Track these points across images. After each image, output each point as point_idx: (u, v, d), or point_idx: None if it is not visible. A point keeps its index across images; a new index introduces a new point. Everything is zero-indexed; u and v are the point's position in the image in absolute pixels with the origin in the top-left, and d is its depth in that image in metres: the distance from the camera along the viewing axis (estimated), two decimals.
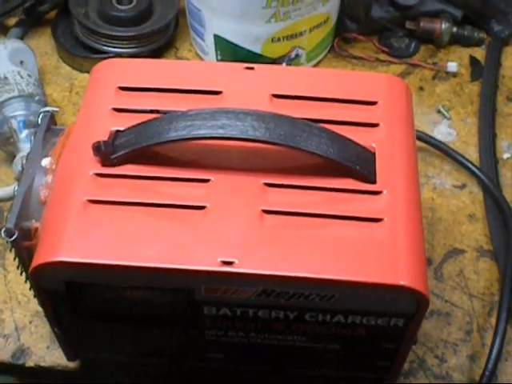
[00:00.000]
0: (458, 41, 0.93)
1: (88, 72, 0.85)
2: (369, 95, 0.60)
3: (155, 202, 0.53)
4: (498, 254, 0.73)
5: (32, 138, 0.61)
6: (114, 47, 0.88)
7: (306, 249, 0.51)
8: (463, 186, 0.79)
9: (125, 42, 0.88)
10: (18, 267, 0.59)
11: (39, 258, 0.52)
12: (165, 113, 0.56)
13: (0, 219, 0.76)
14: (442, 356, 0.67)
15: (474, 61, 0.91)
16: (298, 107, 0.58)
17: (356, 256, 0.51)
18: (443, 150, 0.81)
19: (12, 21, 0.94)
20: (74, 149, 0.57)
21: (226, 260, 0.50)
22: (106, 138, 0.55)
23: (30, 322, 0.69)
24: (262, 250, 0.51)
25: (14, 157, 0.75)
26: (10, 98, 0.77)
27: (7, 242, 0.55)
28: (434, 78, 0.90)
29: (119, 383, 0.69)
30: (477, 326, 0.69)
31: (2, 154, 0.80)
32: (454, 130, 0.84)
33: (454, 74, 0.90)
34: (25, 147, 0.74)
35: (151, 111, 0.58)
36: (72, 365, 0.66)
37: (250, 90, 0.60)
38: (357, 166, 0.54)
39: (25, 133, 0.76)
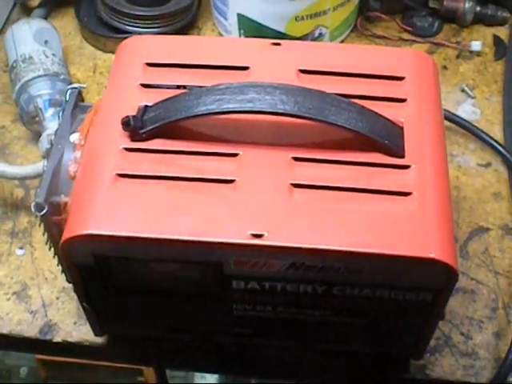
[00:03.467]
0: (481, 20, 0.92)
1: (112, 52, 0.87)
2: (396, 70, 0.60)
3: (184, 175, 0.53)
4: None
5: (60, 114, 0.61)
6: (137, 27, 0.88)
7: (335, 222, 0.51)
8: (488, 165, 0.79)
9: (148, 22, 0.88)
10: (46, 242, 0.60)
11: (69, 232, 0.52)
12: (192, 88, 0.57)
13: (26, 197, 0.76)
14: (468, 333, 0.67)
15: (497, 40, 0.91)
16: (325, 82, 0.58)
17: (385, 229, 0.51)
18: (468, 129, 0.80)
19: (35, 1, 0.95)
20: (103, 124, 0.57)
21: (256, 233, 0.50)
22: (134, 113, 0.56)
23: (57, 298, 0.69)
24: (291, 223, 0.51)
25: (40, 135, 0.76)
26: (36, 77, 0.78)
27: (36, 217, 0.56)
28: (457, 57, 0.89)
29: (146, 359, 0.69)
30: (502, 303, 0.69)
31: (28, 132, 0.81)
32: (479, 108, 0.84)
33: (478, 53, 0.89)
34: (50, 126, 0.75)
35: (178, 87, 0.58)
36: (99, 340, 0.66)
37: (277, 66, 0.60)
38: (385, 140, 0.54)
39: (50, 111, 0.76)
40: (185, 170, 0.54)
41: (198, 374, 1.53)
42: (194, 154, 0.54)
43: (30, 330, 0.68)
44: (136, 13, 0.88)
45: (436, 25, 0.92)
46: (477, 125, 0.81)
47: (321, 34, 0.85)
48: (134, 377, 1.41)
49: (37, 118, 0.77)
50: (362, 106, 0.55)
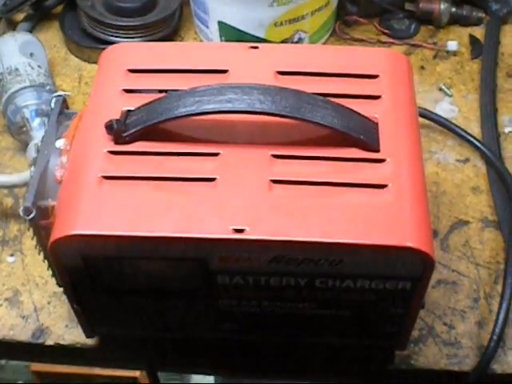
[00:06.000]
0: (457, 21, 0.95)
1: (96, 63, 0.87)
2: (370, 69, 0.61)
3: (167, 175, 0.55)
4: (503, 224, 0.75)
5: (46, 122, 0.63)
6: (121, 37, 0.90)
7: (314, 215, 0.53)
8: (466, 160, 0.81)
9: (131, 32, 0.90)
10: (35, 247, 0.61)
11: (56, 233, 0.53)
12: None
13: (16, 205, 0.78)
14: (451, 323, 0.69)
15: (473, 39, 0.93)
16: (302, 83, 0.59)
17: (363, 220, 0.52)
18: (446, 126, 0.82)
19: (20, 16, 0.97)
20: (87, 129, 0.59)
21: (237, 228, 0.52)
22: (117, 118, 0.57)
23: (49, 303, 0.71)
24: (271, 218, 0.52)
25: (27, 145, 0.77)
26: (22, 89, 0.80)
27: (25, 221, 0.57)
28: (434, 57, 0.92)
29: (137, 360, 0.71)
30: (484, 293, 0.71)
31: (16, 143, 0.82)
32: (456, 106, 0.86)
33: (455, 53, 0.92)
34: (37, 135, 0.76)
35: (160, 91, 0.60)
36: (90, 342, 0.68)
37: (255, 68, 0.61)
38: (361, 135, 0.56)
39: (37, 121, 0.78)
40: (167, 170, 0.55)
41: (193, 382, 1.55)
42: (176, 155, 0.56)
43: (23, 335, 0.69)
44: (119, 23, 0.89)
45: (413, 27, 0.94)
46: (455, 122, 0.83)
47: (300, 39, 0.87)
48: None
49: (24, 128, 0.79)
50: (338, 104, 0.57)
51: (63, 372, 1.42)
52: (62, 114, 0.63)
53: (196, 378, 1.54)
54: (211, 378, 1.55)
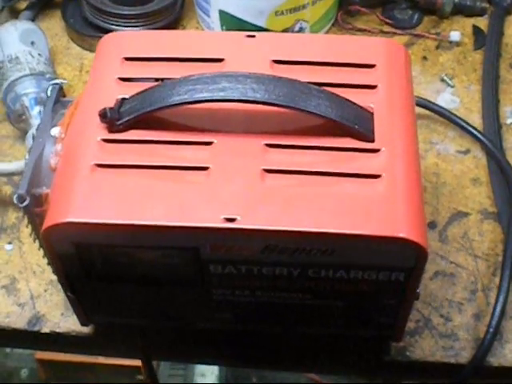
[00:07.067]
0: (460, 11, 0.94)
1: None
2: (367, 58, 0.61)
3: (160, 164, 0.55)
4: (502, 216, 0.74)
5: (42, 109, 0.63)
6: (122, 26, 0.89)
7: (307, 205, 0.52)
8: (467, 151, 0.80)
9: (132, 21, 0.89)
10: (30, 234, 0.61)
11: (49, 220, 0.53)
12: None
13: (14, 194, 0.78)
14: (448, 315, 0.68)
15: (476, 30, 0.92)
16: (298, 72, 0.59)
17: (356, 211, 0.52)
18: (447, 117, 0.82)
19: (23, 4, 0.97)
20: (82, 117, 0.59)
21: (229, 217, 0.51)
22: (111, 106, 0.57)
23: (45, 291, 0.71)
24: (263, 207, 0.52)
25: (27, 134, 0.77)
26: (22, 77, 0.80)
27: (20, 209, 0.57)
28: (437, 47, 0.91)
29: (132, 348, 0.71)
30: (481, 285, 0.70)
31: (15, 131, 0.82)
32: (458, 97, 0.86)
33: (457, 44, 0.91)
34: (36, 123, 0.76)
35: (156, 79, 0.60)
36: (86, 330, 0.68)
37: (251, 57, 0.61)
38: (355, 125, 0.56)
39: (36, 109, 0.78)
40: (160, 158, 0.55)
41: (197, 372, 1.55)
42: (170, 144, 0.56)
43: (19, 322, 0.69)
44: (120, 12, 0.89)
45: (416, 17, 0.94)
46: (456, 113, 0.82)
47: (301, 29, 0.87)
48: (133, 375, 1.44)
49: (23, 117, 0.79)
50: (333, 93, 0.56)
51: (67, 360, 1.43)
52: (59, 102, 0.63)
53: (200, 368, 1.54)
54: (215, 369, 1.55)
